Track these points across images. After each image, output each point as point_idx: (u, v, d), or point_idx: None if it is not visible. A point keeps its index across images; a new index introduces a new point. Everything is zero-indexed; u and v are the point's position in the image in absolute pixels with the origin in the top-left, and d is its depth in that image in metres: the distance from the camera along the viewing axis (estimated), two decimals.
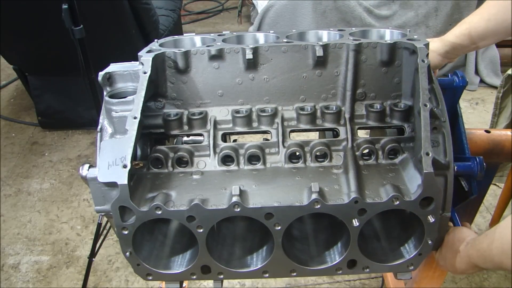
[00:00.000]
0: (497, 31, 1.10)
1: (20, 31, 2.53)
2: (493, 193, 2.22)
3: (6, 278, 2.11)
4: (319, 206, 0.82)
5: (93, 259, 1.89)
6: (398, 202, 0.82)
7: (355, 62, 0.96)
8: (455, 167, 0.90)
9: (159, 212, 0.83)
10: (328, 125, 0.96)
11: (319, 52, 0.95)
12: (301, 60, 0.97)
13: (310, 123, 0.97)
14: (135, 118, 0.86)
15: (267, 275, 0.90)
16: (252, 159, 0.94)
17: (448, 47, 1.14)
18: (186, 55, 0.96)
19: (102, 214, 0.94)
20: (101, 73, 0.95)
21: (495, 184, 2.13)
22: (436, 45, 1.15)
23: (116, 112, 0.92)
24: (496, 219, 1.99)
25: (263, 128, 0.96)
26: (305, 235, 1.01)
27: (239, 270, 0.90)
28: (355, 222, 0.84)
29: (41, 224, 2.38)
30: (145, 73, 0.90)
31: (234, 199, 0.82)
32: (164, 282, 1.84)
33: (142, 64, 0.92)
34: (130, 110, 0.87)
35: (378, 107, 0.96)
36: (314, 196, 0.82)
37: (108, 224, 1.86)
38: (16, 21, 2.45)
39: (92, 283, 2.05)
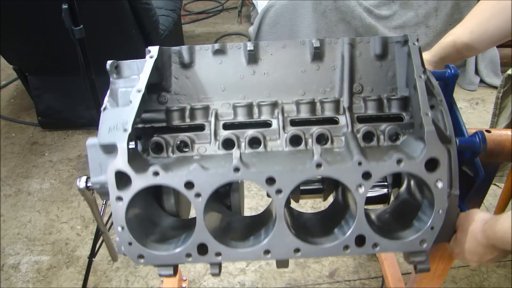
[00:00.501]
0: (481, 42, 1.13)
1: (20, 31, 2.53)
2: (493, 193, 2.22)
3: (6, 278, 2.11)
4: (322, 168, 0.81)
5: (93, 259, 1.89)
6: (403, 164, 0.81)
7: (350, 56, 1.00)
8: (457, 141, 0.90)
9: (157, 178, 0.82)
10: (327, 114, 0.99)
11: (316, 44, 0.99)
12: (299, 56, 1.01)
13: (309, 112, 0.99)
14: (139, 91, 0.88)
15: (269, 255, 0.85)
16: (253, 142, 0.95)
17: (436, 57, 1.16)
18: (191, 50, 1.00)
19: (98, 186, 0.91)
20: (109, 62, 0.98)
21: (495, 184, 2.13)
22: (426, 56, 1.17)
23: (121, 88, 0.96)
24: None
25: (264, 118, 0.98)
26: (310, 223, 1.01)
27: (239, 250, 0.86)
28: (361, 189, 0.82)
29: (41, 224, 2.38)
30: (151, 57, 0.95)
31: (235, 162, 0.81)
32: (162, 282, 1.85)
33: (149, 51, 0.97)
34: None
35: (375, 97, 0.99)
36: (316, 157, 0.81)
37: (108, 225, 1.86)
38: (16, 21, 2.45)
39: (92, 283, 2.05)
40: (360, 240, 0.85)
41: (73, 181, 2.64)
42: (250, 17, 3.94)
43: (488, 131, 1.08)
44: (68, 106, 2.92)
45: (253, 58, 1.01)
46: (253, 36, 3.28)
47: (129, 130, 0.82)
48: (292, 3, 3.10)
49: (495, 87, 3.27)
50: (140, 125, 0.97)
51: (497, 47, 3.37)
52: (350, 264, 2.13)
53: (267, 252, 0.85)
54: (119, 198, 0.83)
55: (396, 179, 1.06)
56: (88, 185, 0.98)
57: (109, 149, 0.85)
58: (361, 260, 2.14)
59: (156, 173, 0.82)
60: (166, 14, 3.14)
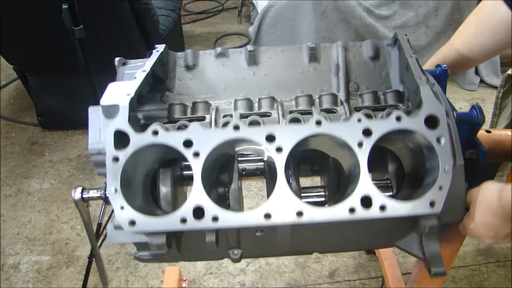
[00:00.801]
0: (468, 59, 1.17)
1: (20, 31, 2.53)
2: None
3: (6, 278, 2.11)
4: (321, 126, 0.82)
5: (93, 259, 1.89)
6: (402, 121, 0.82)
7: (344, 58, 1.06)
8: (455, 114, 0.92)
9: (156, 137, 0.81)
10: (325, 106, 1.02)
11: (312, 45, 1.06)
12: (297, 58, 1.07)
13: (308, 105, 1.02)
14: (144, 71, 0.93)
15: (270, 220, 0.80)
16: (253, 125, 0.97)
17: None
18: (195, 54, 1.06)
19: (95, 152, 0.89)
20: (117, 58, 1.02)
21: None
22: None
23: (127, 71, 1.01)
24: None
25: (263, 110, 1.01)
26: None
27: (238, 214, 0.81)
28: (362, 147, 0.81)
29: (41, 224, 2.38)
30: (158, 51, 1.01)
31: (235, 120, 0.82)
32: (162, 282, 1.85)
33: (156, 47, 1.03)
34: None
35: (371, 90, 1.03)
36: (315, 115, 0.82)
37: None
38: (16, 21, 2.45)
39: (92, 283, 2.05)
40: (366, 202, 0.81)
41: (73, 181, 2.65)
42: (250, 17, 3.94)
43: (488, 131, 1.08)
44: (68, 106, 2.92)
45: (253, 60, 1.05)
46: (253, 36, 3.28)
47: (132, 94, 0.84)
48: (292, 3, 3.10)
49: (495, 87, 3.27)
50: (142, 122, 0.98)
51: None
52: (350, 264, 2.13)
53: (267, 216, 0.80)
54: (116, 159, 0.81)
55: (399, 179, 1.05)
56: (83, 196, 0.95)
57: (111, 112, 0.85)
58: (361, 260, 2.14)
59: (155, 132, 0.81)
60: (166, 14, 3.14)
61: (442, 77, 1.06)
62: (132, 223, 0.80)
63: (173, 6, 3.28)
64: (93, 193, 0.95)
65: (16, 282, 2.09)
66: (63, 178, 2.67)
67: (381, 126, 0.82)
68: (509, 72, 1.69)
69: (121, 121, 0.82)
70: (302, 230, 0.99)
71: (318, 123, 0.82)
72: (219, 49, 1.06)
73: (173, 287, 1.82)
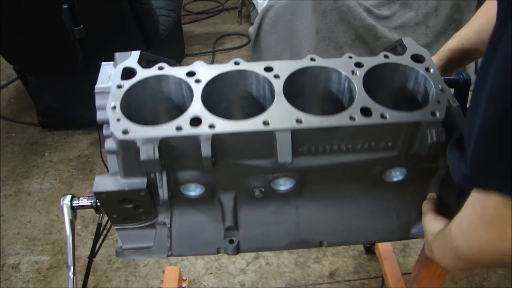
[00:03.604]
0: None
1: (20, 31, 2.53)
2: None
3: (6, 278, 2.11)
4: (316, 61, 0.91)
5: (93, 259, 1.89)
6: (390, 58, 0.91)
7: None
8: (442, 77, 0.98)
9: (162, 71, 0.89)
10: None
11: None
12: None
13: None
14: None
15: (268, 126, 0.79)
16: None
17: (443, 61, 1.14)
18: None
19: (99, 91, 0.92)
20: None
21: None
22: (433, 60, 1.16)
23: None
24: None
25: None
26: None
27: (235, 121, 0.80)
28: (356, 72, 0.88)
29: (41, 224, 2.38)
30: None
31: (235, 59, 0.90)
32: (162, 281, 1.85)
33: None
34: None
35: None
36: (310, 54, 0.91)
37: (109, 224, 1.86)
38: (16, 21, 2.45)
39: (92, 283, 2.05)
40: (366, 111, 0.81)
41: (73, 181, 2.65)
42: (250, 17, 3.94)
43: None
44: (68, 106, 2.92)
45: None
46: (253, 36, 3.28)
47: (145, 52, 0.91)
48: (292, 3, 3.10)
49: None
50: None
51: None
52: (350, 264, 2.13)
53: (266, 123, 0.80)
54: (120, 86, 0.86)
55: None
56: (73, 204, 0.92)
57: (122, 59, 0.92)
58: (361, 260, 2.14)
59: (161, 68, 0.89)
60: (166, 14, 3.14)
61: (463, 87, 1.04)
62: (125, 131, 0.79)
63: (173, 6, 3.28)
64: (83, 201, 0.93)
65: (16, 282, 2.09)
66: (63, 178, 2.67)
67: (371, 61, 0.90)
68: None
69: (131, 61, 0.89)
70: (308, 204, 0.98)
71: (312, 59, 0.90)
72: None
73: (173, 287, 1.82)
